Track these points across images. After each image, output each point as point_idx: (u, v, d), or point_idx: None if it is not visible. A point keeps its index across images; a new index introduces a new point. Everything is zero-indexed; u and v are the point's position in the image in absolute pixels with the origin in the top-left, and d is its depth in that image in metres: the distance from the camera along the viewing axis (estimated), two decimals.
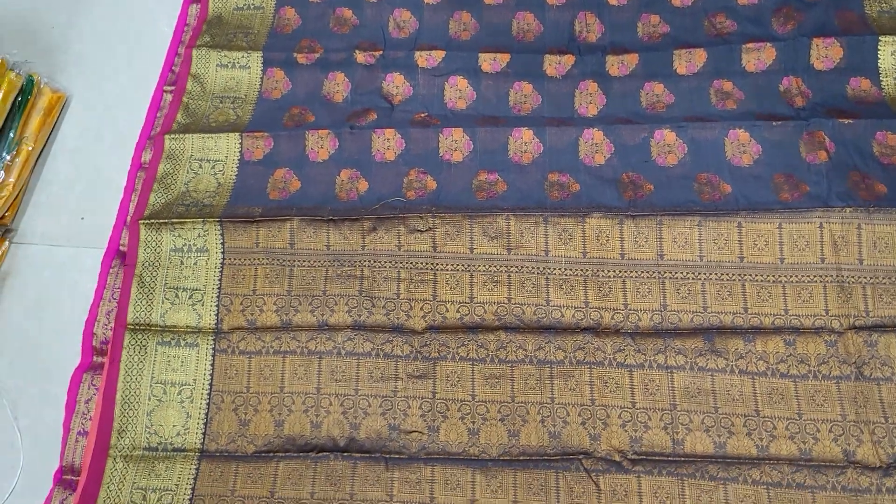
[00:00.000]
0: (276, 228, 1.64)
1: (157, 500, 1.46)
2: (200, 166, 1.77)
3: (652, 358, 1.49)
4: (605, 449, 1.44)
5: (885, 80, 1.67)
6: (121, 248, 1.74)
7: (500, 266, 1.59)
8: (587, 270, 1.57)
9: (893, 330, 1.44)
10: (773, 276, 1.52)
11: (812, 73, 1.70)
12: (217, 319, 1.60)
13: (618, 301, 1.55)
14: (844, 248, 1.51)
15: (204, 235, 1.65)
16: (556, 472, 1.43)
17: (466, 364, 1.53)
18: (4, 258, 1.79)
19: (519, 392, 1.50)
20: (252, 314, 1.60)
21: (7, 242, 1.80)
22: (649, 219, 1.57)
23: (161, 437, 1.51)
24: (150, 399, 1.54)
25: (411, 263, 1.61)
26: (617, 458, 1.43)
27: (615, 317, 1.53)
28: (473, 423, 1.49)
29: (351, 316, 1.58)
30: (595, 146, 1.69)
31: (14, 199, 1.83)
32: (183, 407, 1.54)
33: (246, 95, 1.88)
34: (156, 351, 1.57)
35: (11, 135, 1.85)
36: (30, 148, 1.86)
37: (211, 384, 1.55)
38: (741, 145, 1.64)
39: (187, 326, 1.59)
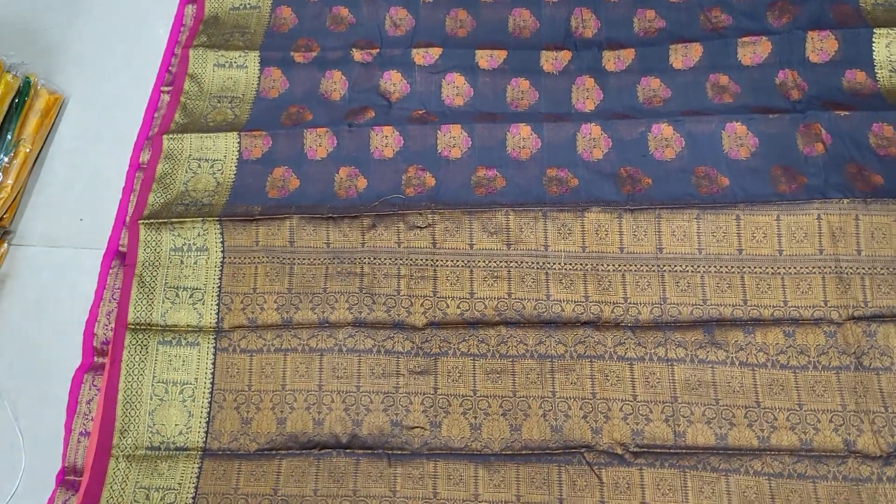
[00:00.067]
0: (276, 227, 1.65)
1: (161, 499, 1.46)
2: (199, 166, 1.77)
3: (652, 351, 1.49)
4: (606, 442, 1.45)
5: (880, 72, 1.68)
6: (120, 248, 1.74)
7: (500, 261, 1.60)
8: (587, 265, 1.58)
9: (892, 320, 1.45)
10: (772, 267, 1.52)
11: (807, 65, 1.71)
12: (218, 318, 1.60)
13: (618, 295, 1.55)
14: (842, 240, 1.51)
15: (203, 234, 1.65)
16: (558, 465, 1.44)
17: (467, 359, 1.53)
18: (4, 260, 1.78)
19: (520, 386, 1.50)
20: (253, 312, 1.60)
21: (6, 244, 1.80)
22: (648, 212, 1.58)
23: (163, 437, 1.51)
24: (151, 398, 1.54)
25: (411, 260, 1.62)
26: (619, 451, 1.43)
27: (615, 310, 1.54)
28: (475, 418, 1.49)
29: (351, 313, 1.58)
30: (593, 141, 1.70)
31: (13, 201, 1.82)
32: (185, 406, 1.54)
33: (243, 95, 1.88)
34: (157, 350, 1.57)
35: (9, 136, 1.85)
36: (28, 149, 1.86)
37: (213, 383, 1.55)
38: (738, 138, 1.65)
39: (188, 325, 1.60)
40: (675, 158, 1.66)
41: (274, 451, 1.49)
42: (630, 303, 1.54)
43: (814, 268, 1.51)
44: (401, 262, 1.62)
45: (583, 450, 1.44)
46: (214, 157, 1.77)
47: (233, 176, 1.75)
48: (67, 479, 1.53)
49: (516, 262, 1.59)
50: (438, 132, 1.74)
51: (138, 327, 1.59)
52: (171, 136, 1.79)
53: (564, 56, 1.83)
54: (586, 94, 1.79)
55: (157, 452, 1.50)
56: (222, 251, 1.65)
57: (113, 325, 1.63)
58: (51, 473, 1.54)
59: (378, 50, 1.89)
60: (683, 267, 1.55)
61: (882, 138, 1.59)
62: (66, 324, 1.70)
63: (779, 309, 1.50)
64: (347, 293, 1.60)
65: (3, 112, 1.85)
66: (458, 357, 1.53)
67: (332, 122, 1.79)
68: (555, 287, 1.57)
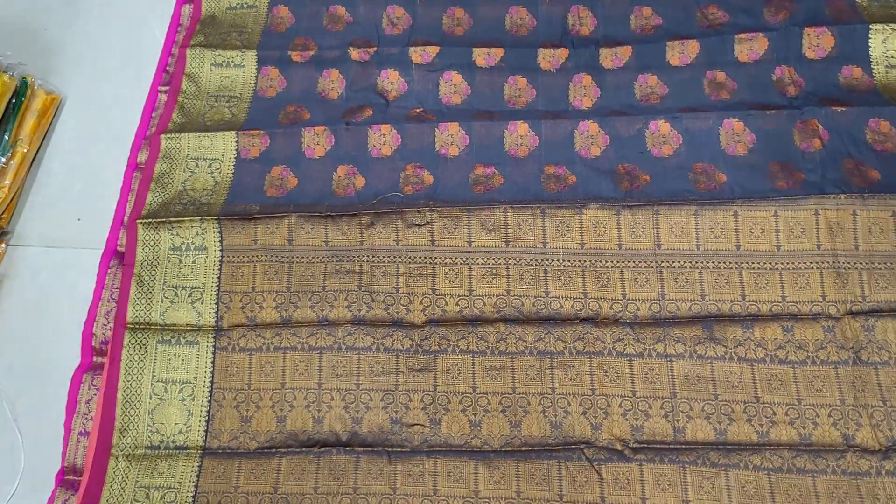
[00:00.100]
0: (275, 225, 1.65)
1: (161, 498, 1.46)
2: (197, 165, 1.77)
3: (651, 347, 1.50)
4: (606, 438, 1.45)
5: (876, 67, 1.68)
6: (118, 248, 1.74)
7: (499, 258, 1.60)
8: (585, 261, 1.58)
9: (890, 314, 1.46)
10: (770, 263, 1.53)
11: (804, 62, 1.72)
12: (217, 317, 1.60)
13: (616, 291, 1.55)
14: (840, 235, 1.52)
15: (202, 234, 1.65)
16: (558, 461, 1.44)
17: (467, 356, 1.53)
18: (2, 260, 1.78)
19: (520, 383, 1.51)
20: (252, 311, 1.60)
21: (4, 245, 1.79)
22: (646, 209, 1.58)
23: (163, 436, 1.51)
24: (151, 397, 1.54)
25: (410, 258, 1.62)
26: (618, 447, 1.44)
27: (614, 307, 1.54)
28: (475, 415, 1.49)
29: (350, 311, 1.58)
30: (591, 138, 1.70)
31: (10, 202, 1.82)
32: (184, 405, 1.54)
33: (241, 94, 1.88)
34: (156, 349, 1.57)
35: (6, 137, 1.85)
36: (25, 150, 1.85)
37: (212, 381, 1.55)
38: (735, 135, 1.65)
39: (187, 324, 1.60)
40: (673, 155, 1.66)
41: (274, 450, 1.49)
42: (629, 299, 1.54)
43: (812, 263, 1.52)
44: (399, 259, 1.62)
45: (582, 446, 1.45)
46: (212, 156, 1.77)
47: (231, 175, 1.75)
48: (67, 478, 1.53)
49: (515, 259, 1.60)
50: (436, 130, 1.75)
51: (137, 326, 1.59)
52: (168, 135, 1.79)
53: (561, 54, 1.83)
54: (583, 92, 1.79)
55: (156, 451, 1.50)
56: (221, 250, 1.65)
57: (112, 324, 1.62)
58: (50, 473, 1.54)
59: (375, 48, 1.89)
60: (682, 263, 1.55)
61: (879, 133, 1.59)
62: (64, 324, 1.69)
63: (777, 304, 1.50)
64: (346, 291, 1.60)
65: (1, 113, 1.85)
66: (457, 354, 1.53)
67: (329, 121, 1.79)
68: (553, 284, 1.57)
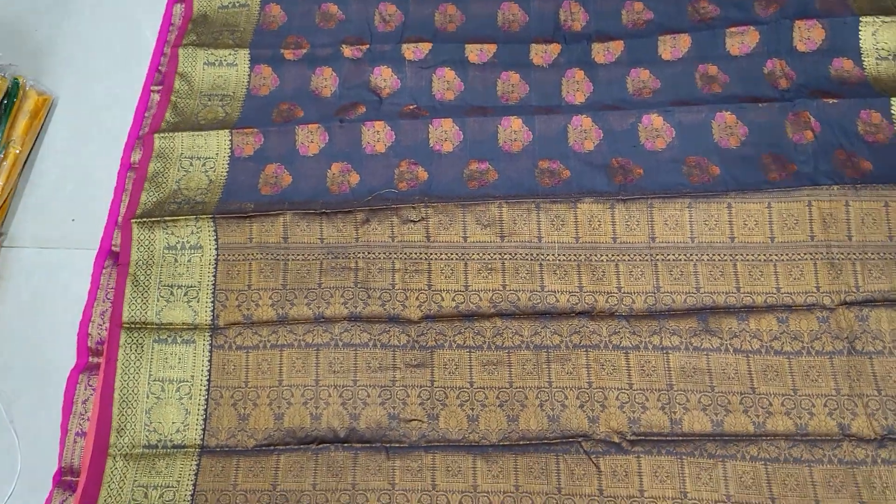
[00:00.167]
0: (270, 223, 1.65)
1: (159, 497, 1.46)
2: (191, 164, 1.77)
3: (647, 339, 1.50)
4: (603, 431, 1.45)
5: (866, 60, 1.69)
6: (113, 248, 1.74)
7: (494, 254, 1.60)
8: (580, 255, 1.59)
9: (884, 304, 1.46)
10: (764, 255, 1.54)
11: (795, 55, 1.73)
12: (213, 315, 1.60)
13: (611, 284, 1.56)
14: (833, 226, 1.53)
15: (197, 232, 1.65)
16: (556, 455, 1.44)
17: (463, 351, 1.53)
18: None
19: (517, 377, 1.51)
20: (248, 309, 1.60)
21: None
22: (640, 202, 1.59)
23: (161, 435, 1.51)
24: (148, 397, 1.54)
25: (405, 254, 1.62)
26: (616, 440, 1.44)
27: (609, 300, 1.55)
28: (472, 409, 1.50)
29: (347, 308, 1.59)
30: (584, 133, 1.71)
31: (3, 203, 1.81)
32: (182, 404, 1.53)
33: (234, 92, 1.88)
34: (152, 349, 1.57)
35: None
36: (17, 151, 1.85)
37: (209, 380, 1.55)
38: (728, 127, 1.66)
39: (183, 323, 1.59)
40: (666, 148, 1.67)
41: (272, 447, 1.49)
42: (624, 292, 1.55)
43: (805, 254, 1.53)
44: (395, 256, 1.62)
45: (580, 439, 1.45)
46: (206, 155, 1.77)
47: (225, 173, 1.75)
48: (64, 479, 1.52)
49: (510, 254, 1.60)
50: (430, 126, 1.75)
51: (133, 326, 1.58)
52: (162, 134, 1.79)
53: (554, 49, 1.84)
54: (576, 87, 1.80)
55: (154, 451, 1.50)
56: (216, 248, 1.64)
57: (107, 324, 1.62)
58: (48, 474, 1.53)
59: (368, 46, 1.89)
60: (676, 256, 1.56)
61: (870, 125, 1.60)
62: (60, 324, 1.69)
63: (772, 295, 1.51)
64: (342, 288, 1.60)
65: None
66: (454, 349, 1.54)
67: (323, 119, 1.79)
68: (549, 278, 1.57)
